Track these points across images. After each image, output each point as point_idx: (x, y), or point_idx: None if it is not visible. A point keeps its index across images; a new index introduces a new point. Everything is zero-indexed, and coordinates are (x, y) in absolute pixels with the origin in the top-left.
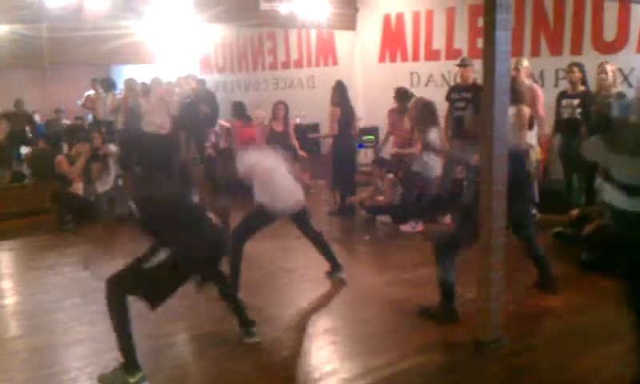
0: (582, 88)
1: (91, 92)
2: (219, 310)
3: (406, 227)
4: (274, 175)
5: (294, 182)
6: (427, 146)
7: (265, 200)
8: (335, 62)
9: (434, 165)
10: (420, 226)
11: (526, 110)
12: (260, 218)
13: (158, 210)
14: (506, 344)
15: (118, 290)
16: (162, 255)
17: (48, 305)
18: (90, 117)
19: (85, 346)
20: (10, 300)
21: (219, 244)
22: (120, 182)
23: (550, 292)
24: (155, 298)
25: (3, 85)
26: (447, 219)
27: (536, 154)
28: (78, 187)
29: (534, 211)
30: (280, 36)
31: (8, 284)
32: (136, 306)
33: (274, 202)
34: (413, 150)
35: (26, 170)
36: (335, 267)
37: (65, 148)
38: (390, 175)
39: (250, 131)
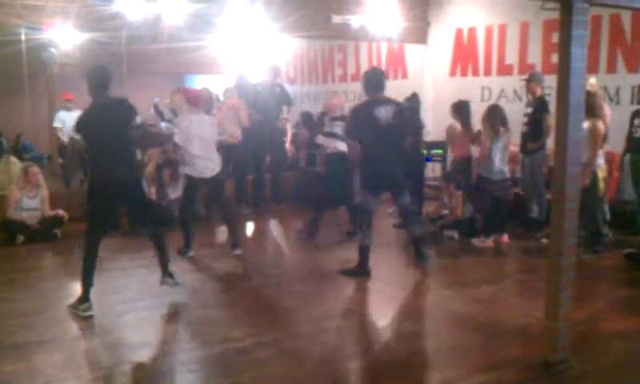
0: None
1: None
2: (287, 317)
3: (477, 241)
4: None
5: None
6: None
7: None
8: (405, 76)
9: (499, 167)
10: (490, 242)
11: (601, 126)
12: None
13: None
14: (574, 366)
15: None
16: None
17: (119, 306)
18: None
19: (153, 347)
20: None
21: None
22: None
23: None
24: None
25: (83, 90)
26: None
27: (603, 172)
28: (151, 192)
29: (605, 230)
30: (350, 49)
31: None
32: (206, 312)
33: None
34: (479, 154)
35: None
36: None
37: (138, 153)
38: (459, 192)
39: None
